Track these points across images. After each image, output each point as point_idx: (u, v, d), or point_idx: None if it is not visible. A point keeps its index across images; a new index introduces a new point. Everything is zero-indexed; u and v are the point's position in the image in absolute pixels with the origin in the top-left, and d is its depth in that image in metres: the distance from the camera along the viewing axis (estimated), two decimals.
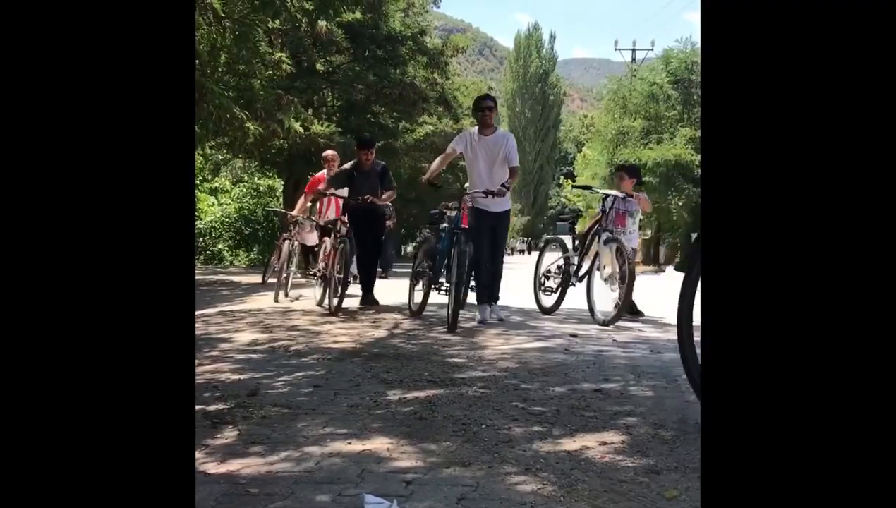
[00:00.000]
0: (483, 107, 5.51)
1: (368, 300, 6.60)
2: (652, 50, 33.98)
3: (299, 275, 9.21)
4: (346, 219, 6.41)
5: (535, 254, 6.65)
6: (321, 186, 7.15)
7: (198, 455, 1.96)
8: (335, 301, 5.77)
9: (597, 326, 5.13)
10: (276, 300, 7.18)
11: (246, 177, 21.56)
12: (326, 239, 6.70)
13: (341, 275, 5.88)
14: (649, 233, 25.87)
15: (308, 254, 9.10)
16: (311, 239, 9.38)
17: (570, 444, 2.09)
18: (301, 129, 13.06)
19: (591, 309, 5.50)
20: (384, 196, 6.52)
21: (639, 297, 5.86)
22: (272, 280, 9.02)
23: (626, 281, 5.23)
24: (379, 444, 2.08)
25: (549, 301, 6.11)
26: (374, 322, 5.36)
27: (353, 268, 6.67)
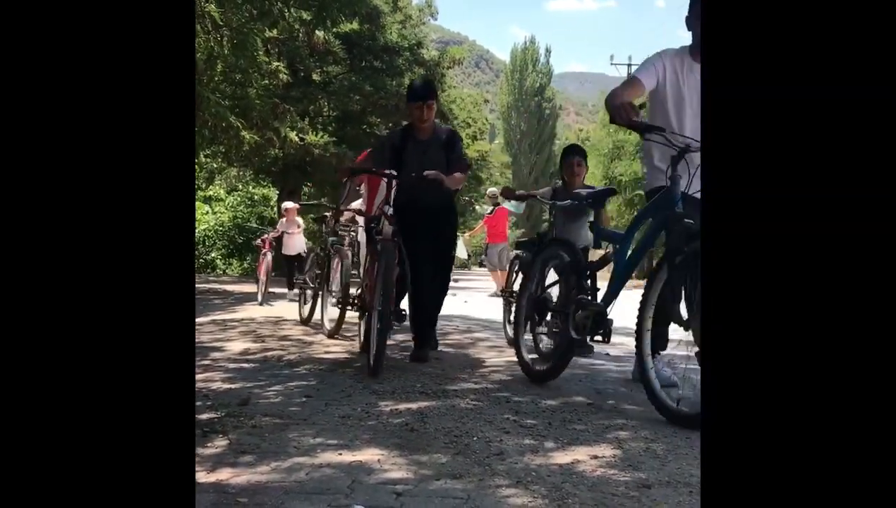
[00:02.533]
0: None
1: (424, 350, 4.08)
2: None
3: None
4: (390, 211, 3.84)
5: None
6: (348, 168, 4.81)
7: None
8: (372, 352, 3.50)
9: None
10: (261, 304, 7.81)
11: (240, 186, 21.54)
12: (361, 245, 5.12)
13: (382, 310, 3.52)
14: None
15: (293, 264, 9.24)
16: (295, 245, 9.48)
17: (562, 457, 2.09)
18: (297, 139, 13.09)
19: None
20: (453, 177, 4.07)
21: (630, 310, 5.78)
22: (254, 290, 9.44)
23: None
24: (370, 455, 2.07)
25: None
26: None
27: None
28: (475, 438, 2.27)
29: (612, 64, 35.09)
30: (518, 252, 5.17)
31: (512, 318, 4.56)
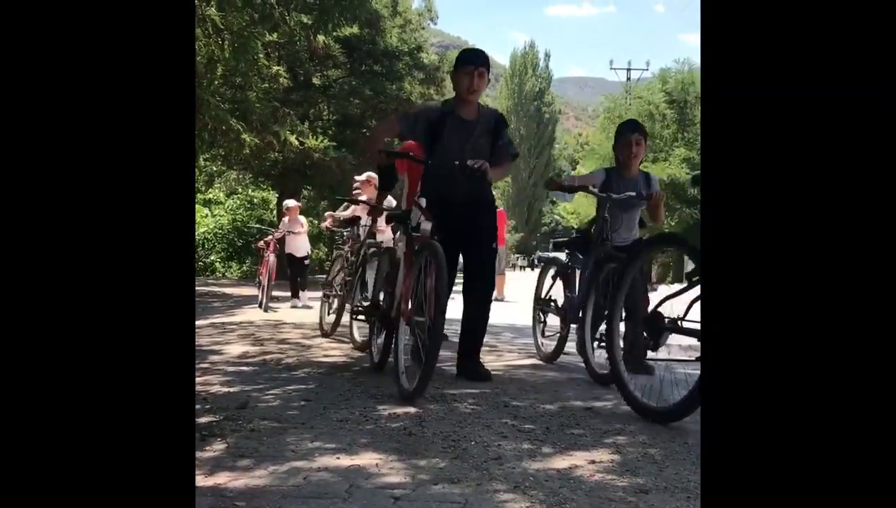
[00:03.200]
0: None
1: (477, 371, 3.48)
2: (647, 70, 34.37)
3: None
4: (422, 202, 3.28)
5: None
6: (376, 143, 3.70)
7: None
8: (409, 384, 2.94)
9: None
10: (264, 310, 7.51)
11: (240, 189, 21.55)
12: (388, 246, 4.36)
13: (434, 326, 2.91)
14: None
15: (296, 267, 8.85)
16: (299, 246, 8.90)
17: (560, 462, 2.09)
18: (296, 142, 13.11)
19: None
20: (500, 170, 3.61)
21: None
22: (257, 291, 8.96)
23: None
24: (368, 459, 2.07)
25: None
26: (363, 337, 5.34)
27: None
28: (473, 443, 2.27)
29: (611, 68, 35.25)
30: (553, 255, 4.39)
31: (541, 329, 4.31)
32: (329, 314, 5.65)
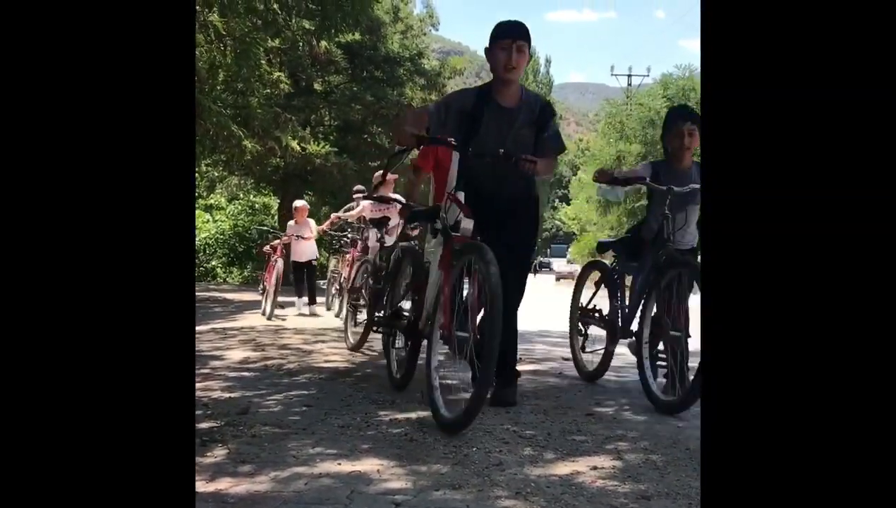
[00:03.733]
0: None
1: (510, 389, 3.06)
2: (648, 76, 34.45)
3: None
4: (460, 196, 2.81)
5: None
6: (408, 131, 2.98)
7: None
8: (449, 411, 2.53)
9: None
10: (268, 318, 7.19)
11: (241, 195, 21.57)
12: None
13: (488, 346, 2.41)
14: None
15: (302, 273, 8.30)
16: (306, 251, 8.26)
17: (561, 468, 2.09)
18: (298, 148, 13.13)
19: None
20: (548, 163, 3.09)
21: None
22: (259, 296, 8.51)
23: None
24: (369, 465, 2.06)
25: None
26: (367, 342, 5.33)
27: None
28: (474, 448, 2.27)
29: (612, 74, 35.26)
30: (617, 239, 3.86)
31: (581, 344, 3.83)
32: (356, 325, 5.03)
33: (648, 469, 2.10)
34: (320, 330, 6.25)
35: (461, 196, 2.79)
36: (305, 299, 8.24)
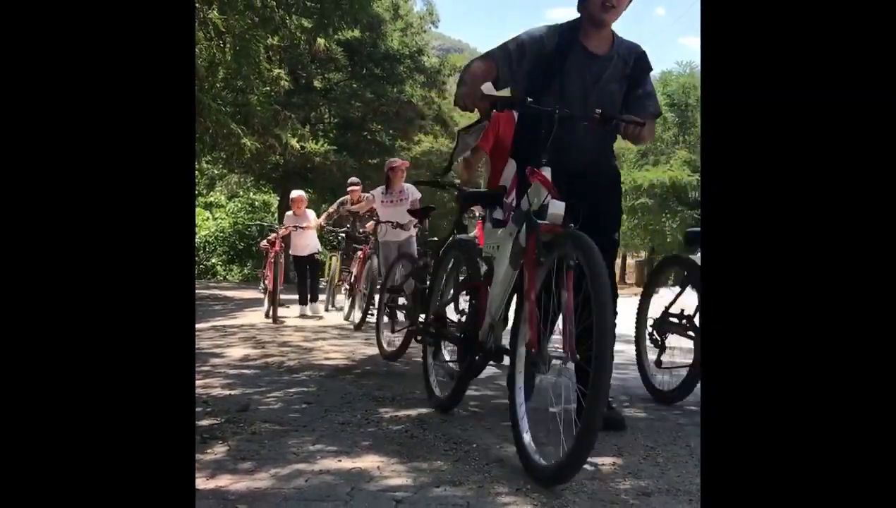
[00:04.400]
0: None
1: (615, 410, 2.65)
2: None
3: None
4: (546, 173, 2.16)
5: None
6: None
7: None
8: (542, 456, 1.99)
9: None
10: (272, 319, 6.70)
11: (241, 192, 21.59)
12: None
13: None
14: (643, 254, 25.95)
15: (304, 268, 7.71)
16: (306, 244, 7.69)
17: None
18: (297, 145, 13.14)
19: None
20: (647, 131, 2.41)
21: (629, 318, 5.32)
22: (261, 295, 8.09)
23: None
24: (369, 462, 2.07)
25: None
26: (367, 339, 5.34)
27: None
28: (475, 445, 2.27)
29: None
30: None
31: (657, 358, 3.11)
32: (393, 331, 4.49)
33: (649, 466, 2.10)
34: (321, 327, 6.26)
35: (547, 172, 2.15)
36: (308, 305, 7.68)
